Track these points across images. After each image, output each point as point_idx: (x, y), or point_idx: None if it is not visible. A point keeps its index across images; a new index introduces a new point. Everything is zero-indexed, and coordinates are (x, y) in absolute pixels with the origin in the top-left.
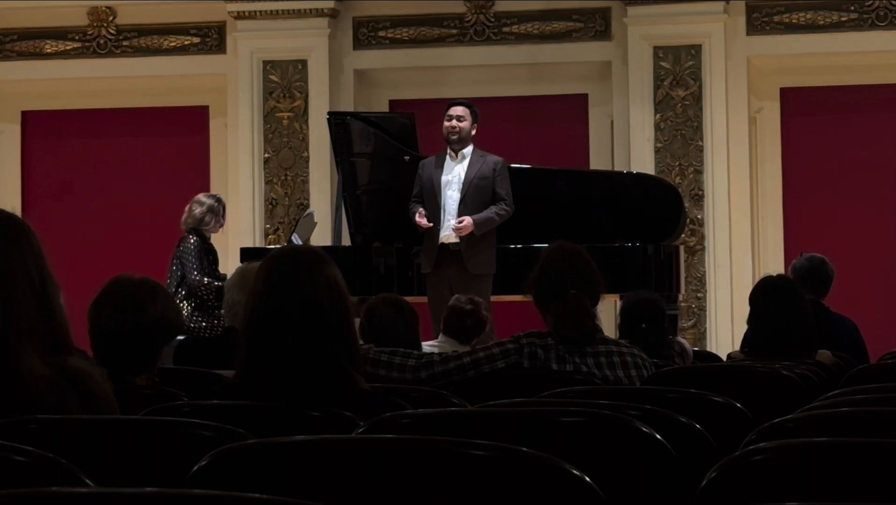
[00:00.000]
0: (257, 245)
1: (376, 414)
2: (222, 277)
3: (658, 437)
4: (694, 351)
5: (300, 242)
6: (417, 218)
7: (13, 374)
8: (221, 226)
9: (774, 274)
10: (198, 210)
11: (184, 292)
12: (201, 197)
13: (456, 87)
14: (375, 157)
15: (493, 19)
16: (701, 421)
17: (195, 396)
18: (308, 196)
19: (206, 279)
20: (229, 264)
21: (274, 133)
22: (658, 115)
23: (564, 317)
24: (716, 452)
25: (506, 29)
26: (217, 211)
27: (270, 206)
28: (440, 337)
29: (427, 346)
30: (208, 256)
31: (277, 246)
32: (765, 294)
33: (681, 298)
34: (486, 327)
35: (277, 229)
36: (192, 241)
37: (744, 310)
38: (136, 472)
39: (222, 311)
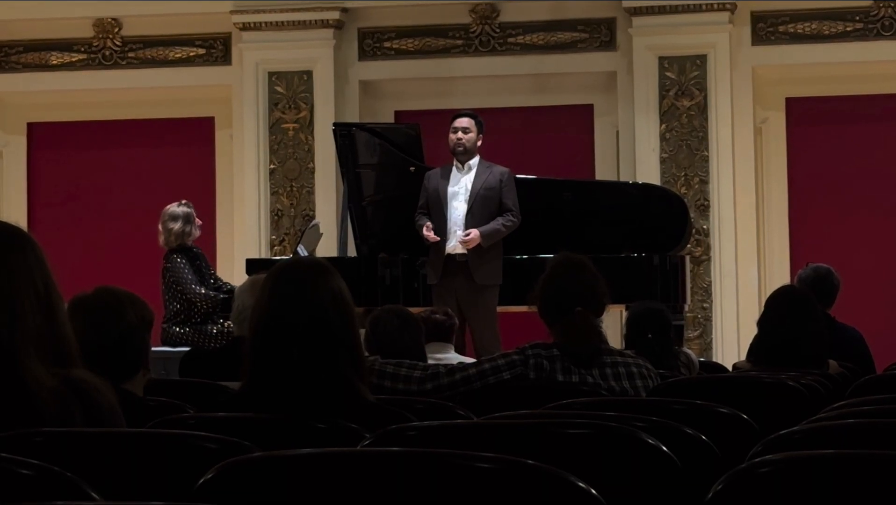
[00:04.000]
0: (263, 256)
1: (382, 426)
2: (224, 286)
3: (664, 448)
4: (700, 361)
5: (306, 254)
6: (425, 231)
7: (19, 383)
8: (199, 226)
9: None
10: (176, 226)
11: (182, 316)
12: (173, 210)
13: (461, 97)
14: (381, 167)
15: (498, 30)
16: (707, 432)
17: (201, 408)
18: (313, 207)
19: (211, 292)
20: (235, 275)
21: (279, 144)
22: (663, 126)
23: (570, 334)
24: (722, 463)
25: (511, 39)
26: (191, 218)
27: (276, 217)
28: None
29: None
30: (197, 262)
31: (283, 257)
32: (783, 302)
33: (686, 308)
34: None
35: (283, 240)
36: (178, 260)
37: (750, 320)
38: (141, 485)
39: (227, 322)
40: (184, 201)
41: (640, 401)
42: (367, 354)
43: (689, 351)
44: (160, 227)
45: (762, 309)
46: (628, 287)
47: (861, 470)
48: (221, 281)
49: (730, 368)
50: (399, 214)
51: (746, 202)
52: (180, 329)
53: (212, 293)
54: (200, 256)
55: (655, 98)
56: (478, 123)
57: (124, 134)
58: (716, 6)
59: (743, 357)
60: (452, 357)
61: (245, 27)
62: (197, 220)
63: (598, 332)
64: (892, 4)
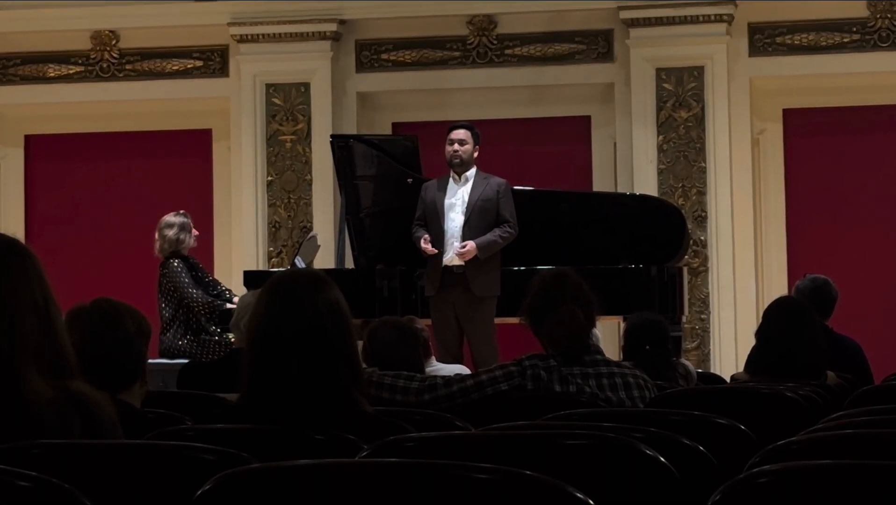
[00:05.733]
0: (260, 268)
1: (380, 437)
2: (224, 292)
3: (662, 459)
4: (698, 372)
5: (303, 265)
6: (422, 244)
7: (18, 395)
8: (195, 237)
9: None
10: (171, 232)
11: (177, 323)
12: (169, 218)
13: (459, 109)
14: (378, 179)
15: (495, 41)
16: (705, 443)
17: (199, 420)
18: (311, 219)
19: (208, 298)
20: (232, 288)
21: (277, 156)
22: (661, 137)
23: (557, 330)
24: (720, 474)
25: (508, 51)
26: (187, 227)
27: (273, 229)
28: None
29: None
30: (193, 272)
31: (280, 269)
32: (781, 313)
33: (684, 319)
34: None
35: (280, 252)
36: (175, 264)
37: (748, 331)
38: (139, 496)
39: (227, 334)
40: (181, 211)
41: (638, 412)
42: (364, 365)
43: (687, 362)
44: (156, 234)
45: (760, 320)
46: (626, 298)
47: (859, 480)
48: (221, 286)
49: (728, 380)
50: (397, 226)
51: (744, 213)
52: (180, 341)
53: (209, 298)
54: (198, 266)
55: (653, 109)
56: (474, 135)
57: (122, 146)
58: (713, 17)
59: (741, 368)
60: (438, 367)
61: (242, 39)
62: (194, 230)
63: (584, 327)
64: (889, 16)
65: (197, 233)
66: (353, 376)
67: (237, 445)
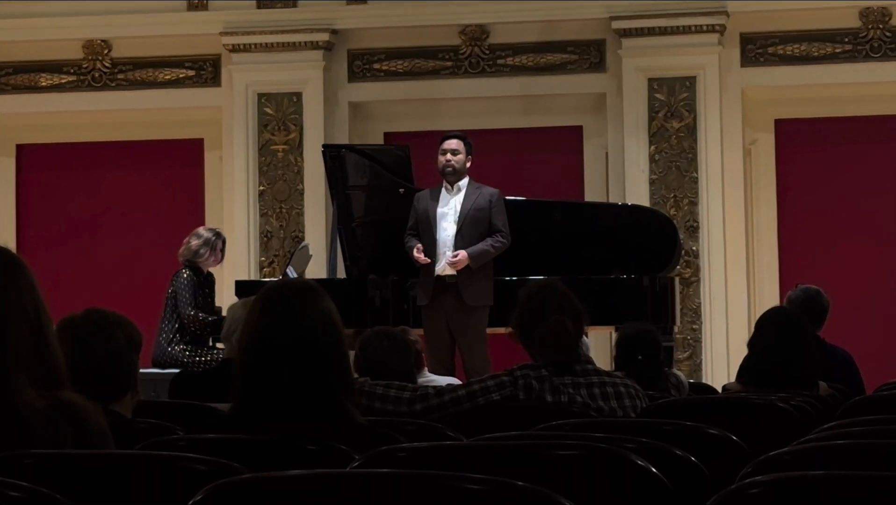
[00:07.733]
0: (252, 278)
1: (372, 447)
2: (216, 311)
3: (653, 470)
4: (689, 383)
5: (295, 275)
6: (415, 253)
7: (9, 406)
8: (219, 261)
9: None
10: (194, 242)
11: (176, 332)
12: (200, 230)
13: (451, 119)
14: (370, 189)
15: (487, 51)
16: (696, 454)
17: (190, 430)
18: (303, 229)
19: (200, 314)
20: (224, 297)
21: (269, 165)
22: (653, 147)
23: (547, 341)
24: (711, 484)
25: (500, 61)
26: (214, 245)
27: (265, 239)
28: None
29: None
30: (202, 289)
31: (272, 279)
32: (773, 323)
33: (676, 329)
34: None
35: (272, 262)
36: (185, 275)
37: (739, 341)
38: None
39: (218, 345)
40: (216, 229)
41: (629, 422)
42: (356, 375)
43: (679, 372)
44: (185, 240)
45: (752, 330)
46: (618, 308)
47: (851, 491)
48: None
49: (719, 390)
50: (389, 236)
51: (736, 223)
52: (175, 348)
53: (202, 315)
54: (210, 284)
55: (645, 119)
56: (467, 145)
57: (113, 156)
58: (705, 28)
59: (733, 378)
60: (431, 378)
61: (235, 49)
62: (220, 252)
63: (574, 337)
64: (881, 26)
65: (221, 257)
66: (345, 386)
67: (229, 456)
